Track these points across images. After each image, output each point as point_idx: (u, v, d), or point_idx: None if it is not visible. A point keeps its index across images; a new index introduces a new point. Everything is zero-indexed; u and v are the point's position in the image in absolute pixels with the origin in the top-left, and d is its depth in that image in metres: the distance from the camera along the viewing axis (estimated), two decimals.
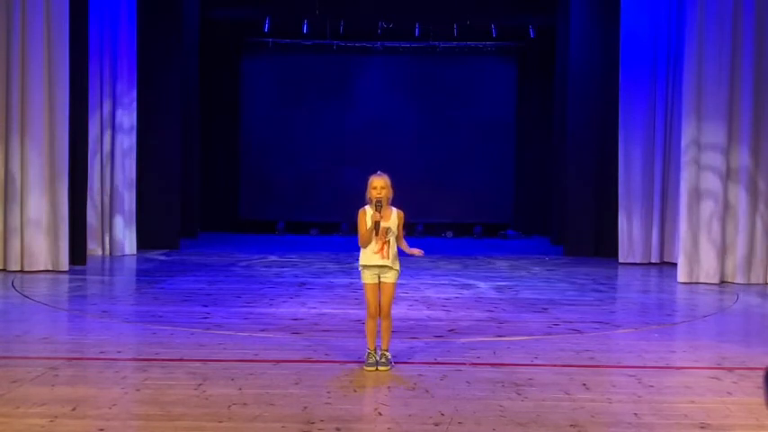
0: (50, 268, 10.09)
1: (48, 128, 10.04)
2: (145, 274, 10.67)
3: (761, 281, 10.17)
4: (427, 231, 16.29)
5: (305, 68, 16.90)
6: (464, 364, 5.75)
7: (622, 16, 11.89)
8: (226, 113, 16.82)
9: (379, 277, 5.50)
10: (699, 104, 10.13)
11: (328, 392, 4.99)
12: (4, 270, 10.01)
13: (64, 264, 10.12)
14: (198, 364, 5.63)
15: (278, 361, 5.74)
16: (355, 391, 5.09)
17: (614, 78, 12.19)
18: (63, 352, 6.00)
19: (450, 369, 5.60)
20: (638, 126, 12.02)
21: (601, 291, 9.68)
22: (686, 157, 10.24)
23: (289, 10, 15.95)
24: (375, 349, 5.57)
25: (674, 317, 8.23)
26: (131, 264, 11.58)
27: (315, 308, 7.98)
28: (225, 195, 16.87)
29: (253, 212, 17.00)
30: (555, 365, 5.79)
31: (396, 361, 5.67)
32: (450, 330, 7.00)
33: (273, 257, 12.32)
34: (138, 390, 5.01)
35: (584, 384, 5.26)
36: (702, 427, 4.46)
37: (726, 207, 10.23)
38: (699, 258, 10.20)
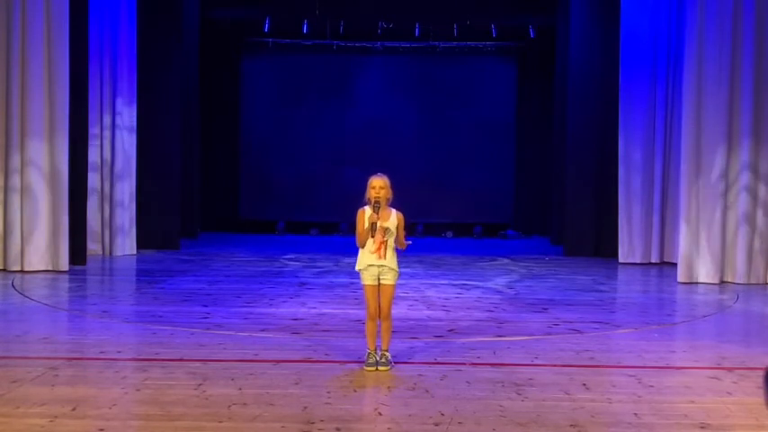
0: (50, 268, 10.09)
1: (48, 127, 10.04)
2: (145, 274, 10.67)
3: (761, 281, 10.17)
4: (427, 231, 16.29)
5: (305, 68, 16.90)
6: (464, 364, 5.75)
7: (622, 16, 11.89)
8: (226, 113, 16.82)
9: (379, 279, 5.49)
10: (699, 104, 10.13)
11: (328, 392, 4.99)
12: (4, 270, 10.01)
13: (64, 264, 10.12)
14: (198, 364, 5.63)
15: (278, 361, 5.75)
16: (355, 391, 5.09)
17: (614, 78, 12.19)
18: (63, 352, 6.00)
19: (450, 369, 5.60)
20: (638, 126, 12.02)
21: (601, 291, 9.68)
22: (686, 156, 10.23)
23: (289, 10, 15.95)
24: (375, 349, 5.57)
25: (674, 317, 8.23)
26: (131, 264, 11.58)
27: (315, 308, 7.98)
28: (225, 195, 16.87)
29: (253, 212, 16.99)
30: (555, 365, 5.79)
31: (396, 361, 5.67)
32: (450, 330, 7.00)
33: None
34: (138, 390, 5.01)
35: (584, 384, 5.26)
36: (702, 427, 4.46)
37: (726, 207, 10.22)
38: (699, 258, 10.20)
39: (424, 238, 15.79)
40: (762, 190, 10.19)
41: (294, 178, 16.87)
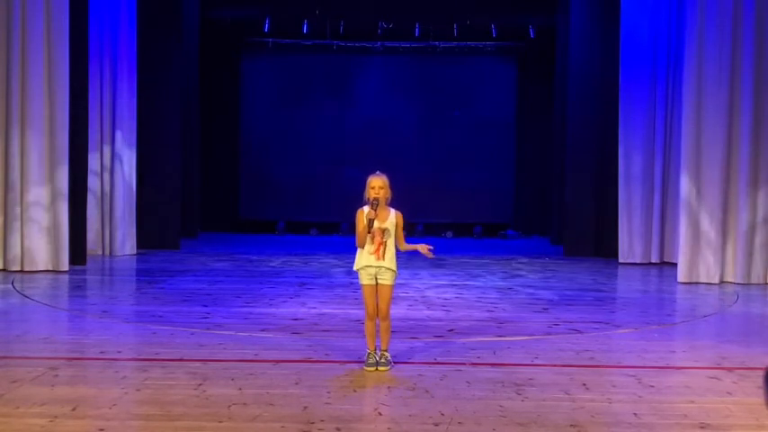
0: (50, 268, 10.09)
1: (48, 128, 10.04)
2: (145, 274, 10.67)
3: (761, 281, 10.17)
4: (427, 231, 16.28)
5: (305, 68, 16.90)
6: (464, 364, 5.75)
7: (622, 16, 11.88)
8: (226, 113, 16.81)
9: (376, 279, 5.49)
10: (699, 104, 10.13)
11: (328, 392, 4.99)
12: (4, 270, 10.01)
13: (64, 264, 10.12)
14: (198, 364, 5.63)
15: (278, 361, 5.75)
16: (355, 391, 5.09)
17: (614, 78, 12.19)
18: (63, 352, 6.00)
19: (450, 369, 5.60)
20: (638, 126, 12.02)
21: (601, 291, 9.68)
22: (686, 156, 10.24)
23: (289, 10, 15.95)
24: (375, 350, 5.57)
25: (674, 317, 8.23)
26: (131, 264, 11.58)
27: (315, 308, 7.98)
28: (225, 195, 16.86)
29: (253, 212, 16.99)
30: (555, 365, 5.79)
31: (396, 361, 5.67)
32: (450, 330, 7.00)
33: (276, 258, 12.33)
34: (138, 390, 5.01)
35: (584, 384, 5.26)
36: (702, 427, 4.46)
37: (726, 207, 10.22)
38: (699, 258, 10.20)
39: (424, 238, 15.72)
40: (762, 190, 10.19)
41: (294, 178, 16.86)
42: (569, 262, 12.38)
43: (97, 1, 11.49)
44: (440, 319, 7.48)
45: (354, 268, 5.55)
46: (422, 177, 16.23)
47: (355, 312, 7.53)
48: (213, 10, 15.74)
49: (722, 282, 10.19)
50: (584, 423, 4.49)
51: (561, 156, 14.16)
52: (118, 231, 12.28)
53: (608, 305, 8.77)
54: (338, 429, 4.33)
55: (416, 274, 10.43)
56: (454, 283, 9.94)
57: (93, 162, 11.76)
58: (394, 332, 5.88)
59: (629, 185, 12.03)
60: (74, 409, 4.56)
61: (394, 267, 5.50)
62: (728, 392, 5.16)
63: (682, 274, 10.21)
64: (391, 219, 5.48)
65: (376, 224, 5.40)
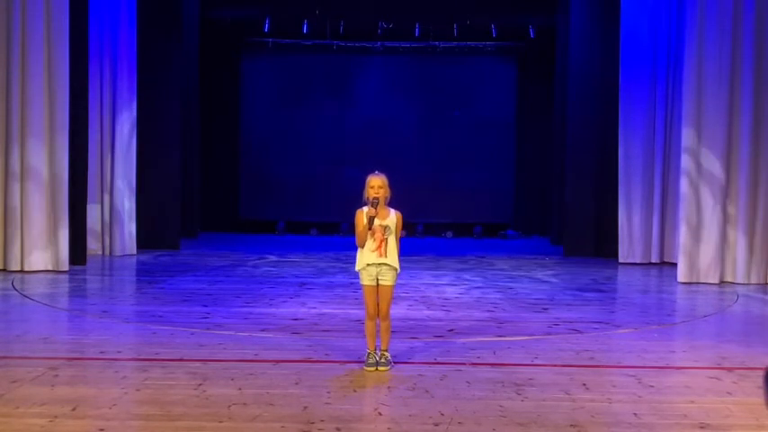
0: (50, 268, 10.09)
1: (48, 128, 10.04)
2: (145, 274, 10.67)
3: (761, 281, 10.17)
4: (427, 231, 16.29)
5: (305, 68, 16.90)
6: (464, 364, 5.75)
7: (622, 16, 11.88)
8: (226, 113, 16.82)
9: (378, 280, 5.49)
10: (699, 104, 10.13)
11: (328, 392, 4.99)
12: (4, 270, 10.01)
13: (64, 264, 10.12)
14: (198, 364, 5.63)
15: (278, 361, 5.75)
16: (355, 391, 5.09)
17: (614, 78, 12.19)
18: (63, 352, 6.00)
19: (450, 369, 5.60)
20: (638, 126, 12.02)
21: (601, 291, 9.68)
22: (686, 156, 10.24)
23: (289, 10, 15.95)
24: (375, 349, 5.57)
25: (674, 317, 8.23)
26: (131, 264, 11.58)
27: (315, 308, 7.98)
28: (225, 195, 16.87)
29: (253, 212, 17.00)
30: (555, 365, 5.79)
31: (396, 361, 5.67)
32: (450, 330, 7.00)
33: (273, 258, 12.33)
34: (138, 390, 5.01)
35: (584, 384, 5.26)
36: (702, 427, 4.46)
37: (725, 207, 10.22)
38: (699, 258, 10.20)
39: (424, 238, 15.80)
40: (762, 190, 10.19)
41: (294, 178, 16.87)
42: (569, 262, 12.38)
43: (97, 1, 11.49)
44: (440, 319, 7.48)
45: (357, 268, 5.55)
46: (422, 177, 16.24)
47: (355, 312, 7.53)
48: (213, 10, 15.74)
49: (722, 282, 10.18)
50: (584, 423, 4.49)
51: (561, 156, 14.16)
52: (118, 231, 12.28)
53: (608, 305, 8.77)
54: (338, 429, 4.33)
55: (416, 274, 10.43)
56: (454, 283, 9.94)
57: (93, 162, 11.75)
58: (394, 332, 5.88)
59: (629, 185, 12.03)
60: (74, 409, 4.56)
61: (396, 264, 5.50)
62: (728, 392, 5.16)
63: (682, 274, 10.21)
64: (391, 217, 5.49)
65: (376, 222, 5.41)
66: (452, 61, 16.74)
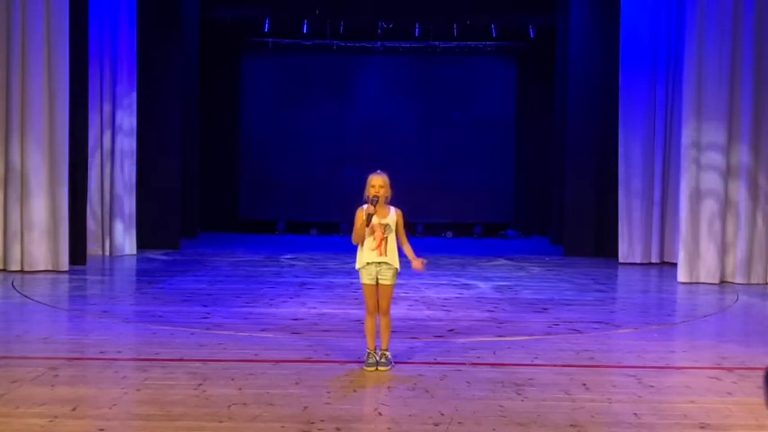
0: (50, 268, 10.09)
1: (48, 128, 10.04)
2: (145, 274, 10.67)
3: (761, 281, 10.17)
4: (427, 231, 16.29)
5: (305, 68, 16.90)
6: (464, 364, 5.75)
7: (622, 16, 11.89)
8: (226, 113, 16.81)
9: (377, 279, 5.49)
10: (699, 104, 10.13)
11: (328, 392, 4.99)
12: (4, 270, 10.01)
13: (64, 264, 10.12)
14: (198, 364, 5.63)
15: (278, 361, 5.75)
16: (355, 391, 5.09)
17: (614, 78, 12.19)
18: (63, 352, 6.00)
19: (450, 369, 5.60)
20: (638, 126, 12.02)
21: (601, 291, 9.68)
22: (686, 156, 10.24)
23: (289, 10, 15.94)
24: (375, 349, 5.57)
25: (674, 317, 8.24)
26: (131, 264, 11.58)
27: (315, 308, 7.98)
28: (225, 195, 16.86)
29: (253, 212, 16.99)
30: (555, 365, 5.79)
31: (396, 361, 5.67)
32: (450, 330, 7.00)
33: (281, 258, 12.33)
34: (138, 390, 5.01)
35: (584, 384, 5.26)
36: (702, 427, 4.46)
37: (726, 207, 10.23)
38: (699, 258, 10.20)
39: (424, 238, 15.79)
40: (762, 190, 10.19)
41: (294, 178, 16.87)
42: (569, 262, 12.38)
43: (97, 1, 11.49)
44: (440, 319, 7.48)
45: (357, 267, 5.55)
46: (422, 177, 16.23)
47: (355, 312, 7.53)
48: (213, 10, 15.74)
49: (722, 282, 10.19)
50: (584, 423, 4.49)
51: (561, 156, 14.16)
52: (118, 231, 12.28)
53: (608, 305, 8.77)
54: (338, 429, 4.33)
55: (416, 275, 10.40)
56: (454, 282, 9.94)
57: (94, 161, 11.76)
58: (394, 332, 5.88)
59: (629, 185, 12.03)
60: (74, 409, 4.56)
61: (396, 263, 5.50)
62: (728, 392, 5.16)
63: (682, 274, 10.21)
64: (391, 215, 5.49)
65: (376, 220, 5.41)
66: (452, 61, 16.74)
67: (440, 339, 6.61)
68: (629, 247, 12.10)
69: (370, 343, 5.57)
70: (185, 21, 14.13)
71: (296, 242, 14.96)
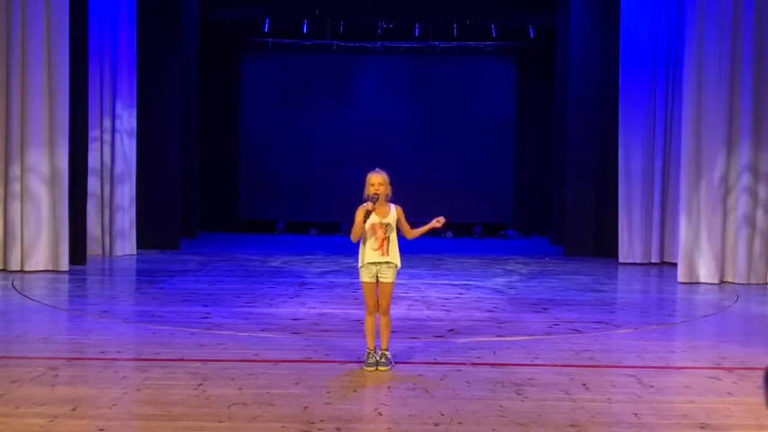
0: (50, 268, 10.09)
1: (48, 128, 10.04)
2: (145, 274, 10.67)
3: (761, 281, 10.17)
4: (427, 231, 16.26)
5: (305, 68, 16.90)
6: (464, 364, 5.76)
7: (622, 16, 11.88)
8: (226, 113, 16.81)
9: (377, 277, 5.49)
10: (699, 104, 10.13)
11: (328, 392, 4.99)
12: (4, 270, 10.01)
13: (64, 264, 10.12)
14: (198, 364, 5.63)
15: (278, 361, 5.75)
16: (355, 391, 5.10)
17: (614, 78, 12.19)
18: (63, 352, 6.00)
19: (450, 369, 5.60)
20: (638, 126, 12.01)
21: (601, 291, 9.68)
22: (686, 156, 10.24)
23: (289, 10, 15.94)
24: (375, 349, 5.57)
25: (674, 317, 8.24)
26: (131, 264, 11.58)
27: (315, 308, 7.98)
28: (225, 195, 16.86)
29: (253, 212, 16.99)
30: (555, 365, 5.79)
31: (396, 361, 5.67)
32: (450, 330, 7.00)
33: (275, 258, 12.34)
34: (138, 390, 5.02)
35: (585, 384, 5.26)
36: (702, 427, 4.46)
37: (726, 207, 10.22)
38: (699, 258, 10.20)
39: (424, 238, 15.77)
40: (762, 190, 10.19)
41: (294, 178, 16.87)
42: (569, 262, 12.38)
43: (97, 1, 11.49)
44: (440, 319, 7.48)
45: (359, 266, 5.54)
46: (422, 177, 16.21)
47: (355, 312, 7.53)
48: (213, 10, 15.73)
49: (722, 282, 10.19)
50: (584, 423, 4.49)
51: (561, 156, 14.16)
52: (118, 231, 12.27)
53: (608, 305, 8.77)
54: (338, 429, 4.33)
55: (416, 274, 10.43)
56: (454, 283, 9.94)
57: (94, 162, 11.76)
58: (394, 332, 5.88)
59: (629, 185, 12.03)
60: (74, 409, 4.56)
61: (398, 262, 5.51)
62: (728, 392, 5.16)
63: (682, 274, 10.21)
64: (392, 213, 5.50)
65: (377, 219, 5.42)
66: (452, 61, 16.73)
67: (440, 339, 6.61)
68: (629, 247, 12.09)
69: (370, 343, 5.57)
70: (185, 21, 14.13)
71: (296, 242, 14.96)
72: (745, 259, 10.17)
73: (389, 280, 5.50)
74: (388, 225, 5.47)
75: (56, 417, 4.44)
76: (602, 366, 5.93)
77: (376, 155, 15.44)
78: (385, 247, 5.46)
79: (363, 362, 5.57)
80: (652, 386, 5.27)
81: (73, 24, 10.12)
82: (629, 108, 11.99)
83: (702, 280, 10.15)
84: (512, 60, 17.05)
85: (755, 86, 10.10)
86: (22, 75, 9.96)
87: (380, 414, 4.63)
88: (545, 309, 8.20)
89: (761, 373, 5.35)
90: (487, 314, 7.82)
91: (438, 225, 5.55)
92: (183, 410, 4.59)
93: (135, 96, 12.36)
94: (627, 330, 7.22)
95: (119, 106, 12.24)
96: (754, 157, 10.18)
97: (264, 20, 15.96)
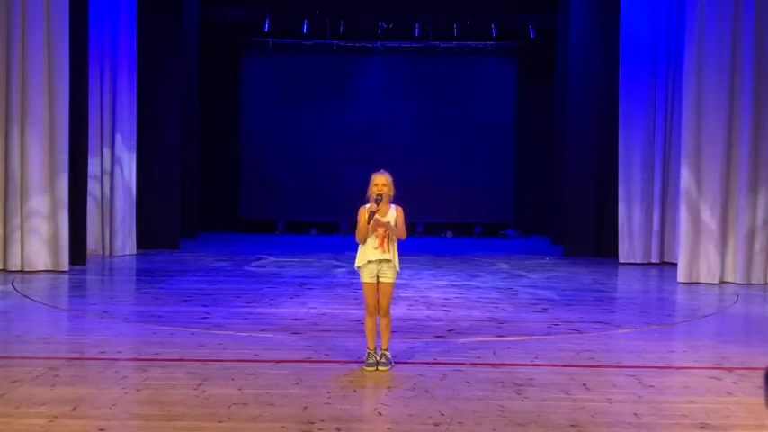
0: (50, 268, 10.09)
1: (48, 128, 10.04)
2: (145, 274, 10.67)
3: (761, 281, 10.17)
4: (427, 231, 16.29)
5: (305, 68, 16.90)
6: (464, 364, 5.75)
7: (622, 16, 11.89)
8: (226, 113, 16.82)
9: (378, 277, 5.49)
10: (699, 104, 10.13)
11: (328, 392, 4.99)
12: (4, 270, 10.01)
13: (64, 264, 10.12)
14: (198, 364, 5.63)
15: (278, 361, 5.75)
16: (355, 391, 5.09)
17: (614, 78, 12.19)
18: (63, 352, 6.00)
19: (450, 369, 5.60)
20: (638, 126, 12.02)
21: (601, 291, 9.68)
22: (686, 156, 10.23)
23: (289, 10, 15.95)
24: (375, 349, 5.57)
25: (674, 317, 8.23)
26: (131, 264, 11.58)
27: (315, 308, 7.98)
28: (225, 195, 16.87)
29: (253, 212, 17.00)
30: (555, 365, 5.79)
31: (396, 361, 5.67)
32: (450, 330, 7.00)
33: (273, 258, 12.33)
34: (138, 390, 5.01)
35: (585, 384, 5.26)
36: (702, 427, 4.46)
37: (726, 207, 10.22)
38: (699, 258, 10.20)
39: (424, 238, 15.80)
40: (762, 190, 10.19)
41: (294, 178, 16.88)
42: (569, 262, 12.38)
43: (97, 2, 11.49)
44: (440, 319, 7.48)
45: (357, 265, 5.55)
46: (422, 177, 16.22)
47: (355, 312, 7.53)
48: (213, 10, 15.74)
49: (722, 282, 10.19)
50: (584, 423, 4.49)
51: (561, 156, 14.16)
52: (118, 231, 12.27)
53: (608, 305, 8.77)
54: (338, 429, 4.33)
55: (416, 274, 10.43)
56: (454, 283, 9.94)
57: (94, 162, 11.75)
58: (394, 332, 5.88)
59: (629, 185, 12.03)
60: (74, 409, 4.56)
61: (397, 261, 5.51)
62: (728, 392, 5.16)
63: (682, 274, 10.21)
64: (392, 213, 5.51)
65: (378, 219, 5.42)
66: (452, 61, 16.75)
67: (440, 339, 6.61)
68: (629, 247, 12.09)
69: (370, 342, 5.57)
70: (185, 21, 14.14)
71: (296, 242, 14.96)
72: (745, 259, 10.16)
73: (390, 280, 5.50)
74: (388, 224, 5.48)
75: (56, 417, 4.44)
76: (602, 366, 5.92)
77: (376, 155, 15.48)
78: (385, 245, 5.47)
79: (363, 362, 5.57)
80: (652, 386, 5.27)
81: (73, 25, 10.12)
82: (629, 108, 11.99)
83: (702, 280, 10.15)
84: (512, 60, 17.06)
85: (755, 86, 10.10)
86: (22, 75, 9.96)
87: (380, 414, 4.63)
88: (545, 309, 8.20)
89: (761, 373, 5.35)
90: (487, 314, 7.81)
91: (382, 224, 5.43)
92: (183, 410, 4.59)
93: (135, 96, 12.36)
94: (627, 330, 7.22)
95: (119, 106, 12.24)
96: (754, 157, 10.17)
97: (264, 20, 15.96)
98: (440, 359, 5.90)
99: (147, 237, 12.72)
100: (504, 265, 11.88)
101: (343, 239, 15.03)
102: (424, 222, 16.28)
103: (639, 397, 5.01)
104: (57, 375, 5.28)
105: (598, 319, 7.72)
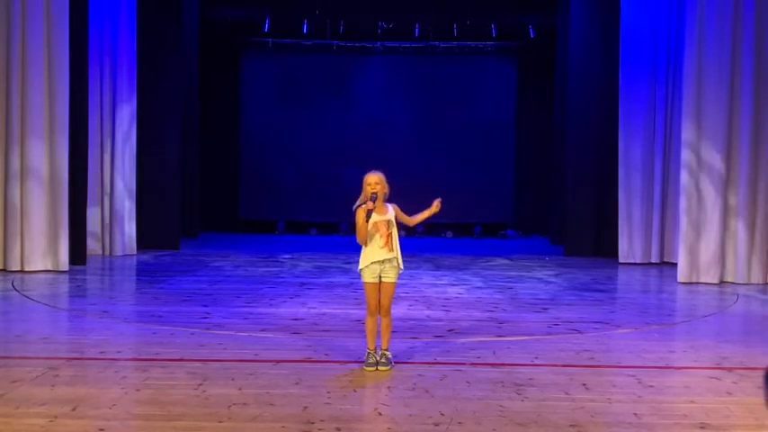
0: (50, 268, 10.09)
1: (48, 128, 10.04)
2: (145, 274, 10.67)
3: (761, 281, 10.17)
4: (427, 231, 16.29)
5: (305, 68, 16.91)
6: (464, 364, 5.75)
7: (622, 16, 11.89)
8: (226, 113, 16.83)
9: (380, 277, 5.49)
10: (699, 104, 10.13)
11: (328, 392, 4.99)
12: (4, 270, 10.01)
13: (64, 264, 10.12)
14: (198, 364, 5.62)
15: (278, 361, 5.75)
16: (355, 391, 5.09)
17: (614, 78, 12.19)
18: (63, 352, 6.00)
19: (450, 369, 5.60)
20: (638, 126, 12.02)
21: (601, 291, 9.68)
22: (686, 156, 10.24)
23: (289, 10, 15.96)
24: (375, 349, 5.57)
25: (674, 317, 8.23)
26: (131, 264, 11.58)
27: (315, 308, 7.98)
28: (225, 195, 16.87)
29: (253, 212, 17.00)
30: (555, 365, 5.79)
31: (396, 361, 5.67)
32: (450, 330, 7.00)
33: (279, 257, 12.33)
34: (138, 390, 5.01)
35: (584, 384, 5.26)
36: (702, 427, 4.46)
37: (726, 206, 10.22)
38: (699, 258, 10.20)
39: (424, 238, 15.79)
40: (762, 189, 10.19)
41: (294, 178, 16.88)
42: (569, 262, 12.38)
43: (97, 2, 11.49)
44: (440, 319, 7.48)
45: (361, 266, 5.53)
46: (422, 177, 16.19)
47: (356, 312, 7.53)
48: (213, 10, 15.75)
49: (722, 282, 10.19)
50: (584, 423, 4.49)
51: (561, 155, 14.16)
52: (118, 231, 12.28)
53: (608, 305, 8.77)
54: (338, 429, 4.33)
55: (417, 274, 10.43)
56: (454, 283, 9.94)
57: (93, 162, 11.75)
58: (394, 332, 5.88)
59: (629, 185, 12.03)
60: (74, 409, 4.56)
61: (400, 261, 5.52)
62: (728, 392, 5.16)
63: (682, 274, 10.21)
64: (390, 210, 5.52)
65: (378, 218, 5.43)
66: (452, 61, 16.75)
67: (440, 339, 6.61)
68: (629, 247, 12.10)
69: (370, 343, 5.57)
70: (185, 21, 14.14)
71: (296, 242, 14.96)
72: (745, 259, 10.16)
73: (392, 279, 5.51)
74: (389, 222, 5.49)
75: (56, 417, 4.44)
76: (602, 366, 5.92)
77: (376, 155, 15.48)
78: (390, 244, 5.48)
79: (363, 362, 5.57)
80: (652, 386, 5.27)
81: (73, 24, 10.12)
82: (629, 108, 11.99)
83: (702, 280, 10.15)
84: (512, 60, 17.07)
85: (755, 86, 10.10)
86: (22, 75, 9.96)
87: (380, 414, 4.63)
88: (545, 309, 8.20)
89: (761, 373, 5.35)
90: (487, 314, 7.82)
91: (436, 210, 5.59)
92: (183, 410, 4.59)
93: (135, 96, 12.36)
94: (627, 330, 7.22)
95: (118, 106, 12.24)
96: (754, 157, 10.18)
97: (264, 20, 15.97)
98: (440, 359, 5.90)
99: (147, 237, 12.73)
100: (504, 265, 11.88)
101: (344, 239, 15.03)
102: (424, 222, 16.24)
103: (639, 397, 5.01)
104: (57, 375, 5.28)
105: (598, 319, 7.72)
